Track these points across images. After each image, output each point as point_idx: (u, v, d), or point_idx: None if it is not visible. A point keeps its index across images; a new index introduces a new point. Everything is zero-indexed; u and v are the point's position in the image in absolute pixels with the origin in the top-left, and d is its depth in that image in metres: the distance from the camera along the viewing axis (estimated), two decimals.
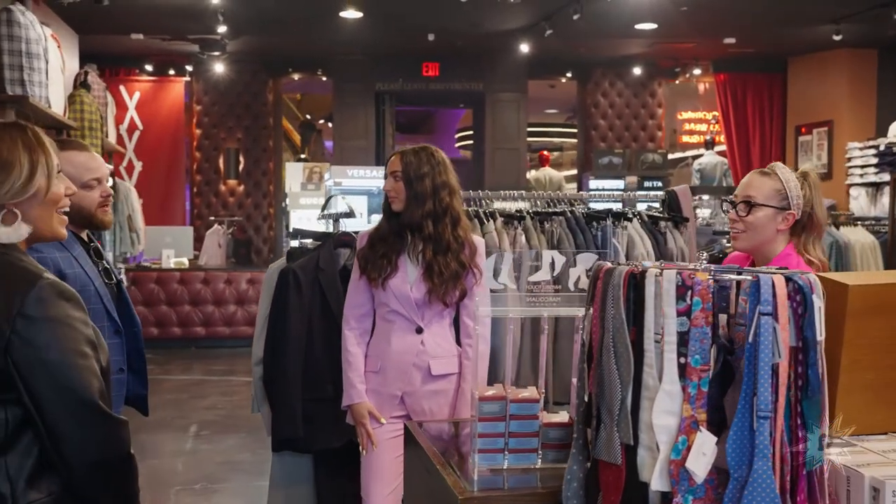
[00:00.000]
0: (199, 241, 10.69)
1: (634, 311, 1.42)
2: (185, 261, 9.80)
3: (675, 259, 3.70)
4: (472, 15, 8.59)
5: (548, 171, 11.28)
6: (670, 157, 12.28)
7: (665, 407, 1.37)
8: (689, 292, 1.36)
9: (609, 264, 1.49)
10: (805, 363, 1.36)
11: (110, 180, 7.97)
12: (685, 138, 12.89)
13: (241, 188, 11.88)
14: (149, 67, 11.28)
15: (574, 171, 13.64)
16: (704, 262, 1.50)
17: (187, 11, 8.31)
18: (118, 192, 8.25)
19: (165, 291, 9.45)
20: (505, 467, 1.77)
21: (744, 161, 11.86)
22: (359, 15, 8.70)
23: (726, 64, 11.68)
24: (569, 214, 3.73)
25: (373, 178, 8.60)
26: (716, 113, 12.24)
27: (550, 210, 3.78)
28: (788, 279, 1.37)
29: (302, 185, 9.20)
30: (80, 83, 7.48)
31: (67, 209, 1.71)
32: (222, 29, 8.88)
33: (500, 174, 11.32)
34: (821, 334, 1.39)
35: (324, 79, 12.23)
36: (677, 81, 12.33)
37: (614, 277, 1.44)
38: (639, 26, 9.17)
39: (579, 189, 12.15)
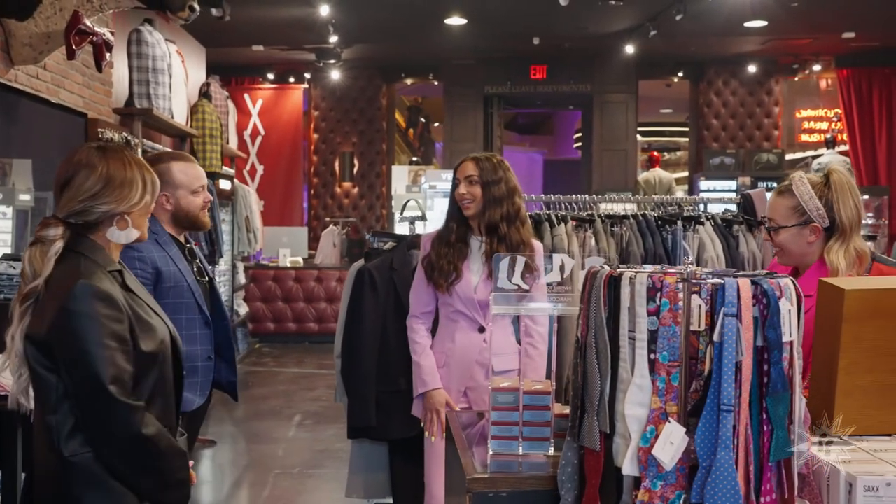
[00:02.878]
0: (315, 241, 11.21)
1: (614, 310, 1.54)
2: (301, 260, 10.31)
3: (746, 263, 3.71)
4: (575, 18, 8.66)
5: (658, 173, 11.14)
6: (788, 157, 11.86)
7: (636, 399, 1.49)
8: (659, 294, 1.48)
9: (597, 267, 1.62)
10: (769, 362, 1.45)
11: (232, 184, 8.55)
12: (804, 137, 12.40)
13: (356, 190, 12.35)
14: (270, 76, 11.91)
15: (686, 174, 13.38)
16: (691, 265, 1.59)
17: (301, 23, 8.77)
18: (237, 195, 8.81)
19: (282, 289, 9.98)
20: (520, 453, 1.92)
21: (868, 160, 11.34)
22: (463, 21, 8.93)
23: (850, 59, 11.20)
24: (640, 217, 3.80)
25: None
26: (838, 110, 11.75)
27: (620, 214, 3.86)
28: (755, 283, 1.47)
29: (407, 187, 9.51)
30: (203, 94, 8.05)
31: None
32: (335, 38, 9.32)
33: (607, 176, 11.30)
34: (790, 336, 1.47)
35: (435, 83, 12.55)
36: (796, 78, 11.92)
37: (597, 279, 1.57)
38: (748, 24, 8.97)
39: (690, 191, 11.95)
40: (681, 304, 1.48)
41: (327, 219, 11.91)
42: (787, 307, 1.47)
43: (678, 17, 7.88)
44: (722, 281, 1.50)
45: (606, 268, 1.61)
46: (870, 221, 10.53)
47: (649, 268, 1.68)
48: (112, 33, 4.54)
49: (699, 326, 1.53)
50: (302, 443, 5.81)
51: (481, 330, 2.99)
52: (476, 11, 8.60)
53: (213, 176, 7.63)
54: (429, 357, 3.02)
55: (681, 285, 1.48)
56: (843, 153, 11.08)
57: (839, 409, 1.73)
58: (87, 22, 4.17)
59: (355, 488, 3.78)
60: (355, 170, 12.30)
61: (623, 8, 8.03)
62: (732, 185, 10.91)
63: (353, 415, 3.49)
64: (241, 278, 9.48)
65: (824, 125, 12.26)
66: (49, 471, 1.89)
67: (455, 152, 11.68)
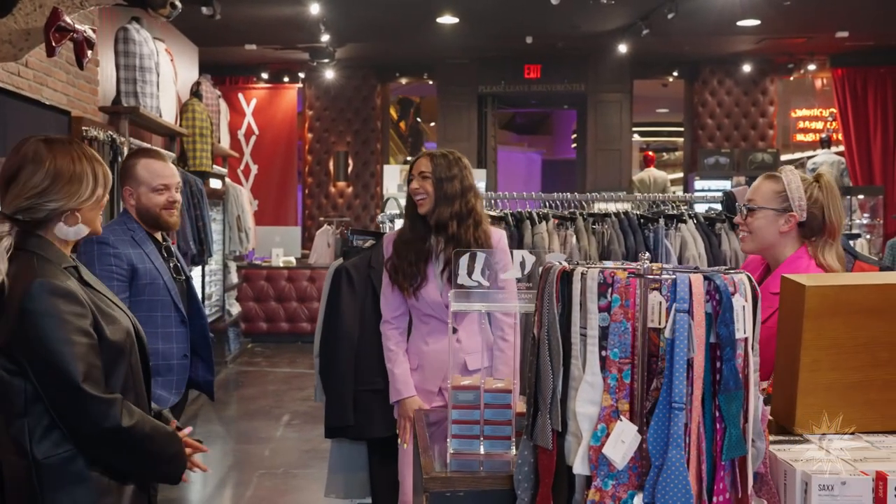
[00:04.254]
0: (310, 240, 11.18)
1: (567, 306, 1.52)
2: (293, 259, 10.28)
3: (729, 260, 3.68)
4: (567, 17, 8.63)
5: (652, 172, 11.13)
6: (783, 157, 11.83)
7: (587, 396, 1.47)
8: (610, 290, 1.45)
9: (555, 263, 1.59)
10: (721, 359, 1.42)
11: (223, 184, 8.52)
12: (799, 137, 12.36)
13: (350, 190, 12.33)
14: (265, 75, 11.88)
15: (681, 175, 13.35)
16: (646, 262, 1.56)
17: (292, 22, 8.75)
18: (228, 194, 8.79)
19: (274, 288, 9.95)
20: (482, 452, 1.89)
21: (864, 160, 11.30)
22: (455, 20, 8.91)
23: (844, 58, 11.17)
24: (622, 216, 3.78)
25: None
26: (833, 110, 11.72)
27: (602, 212, 3.83)
28: (708, 278, 1.44)
29: (399, 186, 9.49)
30: (193, 93, 8.03)
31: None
32: (326, 37, 9.29)
33: (601, 175, 11.28)
34: (744, 332, 1.44)
35: (430, 82, 12.53)
36: (792, 78, 11.89)
37: (550, 275, 1.54)
38: (741, 23, 8.95)
39: (685, 191, 11.93)
40: (632, 300, 1.45)
41: (321, 218, 11.88)
42: (740, 303, 1.44)
43: (670, 16, 7.86)
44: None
45: (562, 263, 1.58)
46: (865, 221, 10.49)
47: (610, 264, 1.66)
48: (94, 30, 4.51)
49: (659, 323, 1.50)
50: (289, 443, 5.79)
51: (454, 331, 2.96)
52: (467, 10, 8.57)
53: (204, 175, 7.60)
54: (402, 364, 3.00)
55: (631, 281, 1.45)
56: (838, 153, 11.05)
57: (801, 408, 1.71)
58: (67, 19, 4.14)
59: (334, 488, 3.75)
60: (350, 169, 12.28)
61: (614, 7, 8.00)
62: (727, 184, 10.86)
63: (330, 414, 3.46)
64: (234, 278, 9.45)
65: (820, 125, 12.23)
66: (19, 476, 1.84)
67: None
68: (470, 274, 1.84)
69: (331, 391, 3.46)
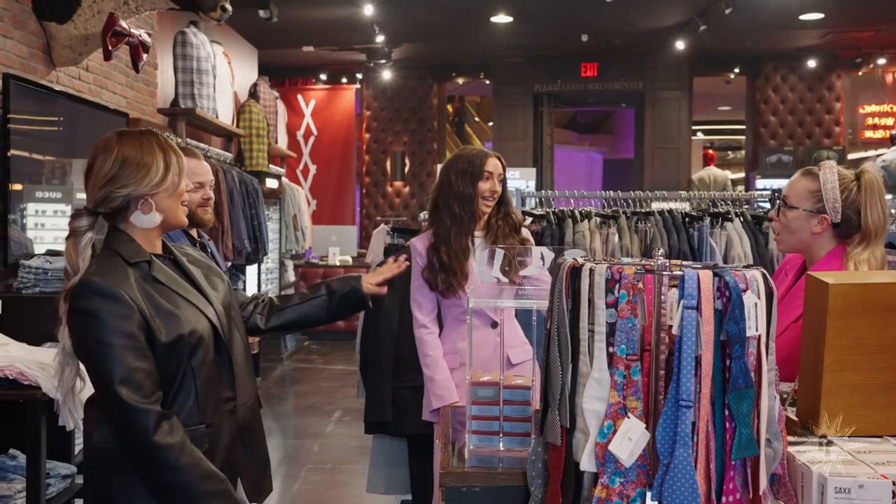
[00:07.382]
0: (367, 240, 11.30)
1: (576, 302, 1.51)
2: (349, 258, 10.41)
3: (776, 260, 3.60)
4: (622, 14, 8.54)
5: (712, 171, 10.92)
6: (850, 155, 11.46)
7: (594, 393, 1.45)
8: (617, 285, 1.44)
9: (567, 259, 1.58)
10: (730, 357, 1.40)
11: (279, 183, 8.67)
12: (868, 133, 11.96)
13: (407, 189, 12.41)
14: (323, 76, 12.04)
15: (743, 174, 13.06)
16: (661, 258, 1.54)
17: (347, 23, 8.85)
18: (285, 194, 8.94)
19: None
20: (502, 449, 1.89)
21: None
22: (509, 19, 8.89)
23: None
24: (665, 214, 3.73)
25: (512, 179, 8.80)
26: None
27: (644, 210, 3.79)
28: (717, 274, 1.41)
29: None
30: (251, 94, 8.20)
31: (188, 202, 2.01)
32: (381, 38, 9.37)
33: (659, 174, 11.11)
34: (756, 330, 1.41)
35: (486, 82, 12.53)
36: (860, 73, 11.52)
37: (561, 271, 1.54)
38: (803, 17, 8.71)
39: (747, 190, 11.67)
40: (643, 296, 1.44)
41: (378, 218, 11.98)
42: (752, 300, 1.41)
43: (727, 11, 7.70)
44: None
45: (574, 259, 1.57)
46: None
47: (627, 260, 1.65)
48: (150, 34, 4.65)
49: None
50: (338, 438, 5.86)
51: (494, 325, 2.97)
52: (521, 9, 8.55)
53: (260, 175, 7.75)
54: (442, 370, 2.99)
55: (644, 277, 1.44)
56: None
57: (825, 409, 1.66)
58: (123, 23, 4.28)
59: (376, 484, 3.79)
60: (406, 169, 12.36)
61: (670, 3, 7.89)
62: None
63: (369, 410, 3.50)
64: (291, 276, 9.61)
65: (890, 121, 11.81)
66: (87, 458, 1.94)
67: (504, 151, 11.58)
68: (492, 270, 1.84)
69: (370, 388, 3.50)
